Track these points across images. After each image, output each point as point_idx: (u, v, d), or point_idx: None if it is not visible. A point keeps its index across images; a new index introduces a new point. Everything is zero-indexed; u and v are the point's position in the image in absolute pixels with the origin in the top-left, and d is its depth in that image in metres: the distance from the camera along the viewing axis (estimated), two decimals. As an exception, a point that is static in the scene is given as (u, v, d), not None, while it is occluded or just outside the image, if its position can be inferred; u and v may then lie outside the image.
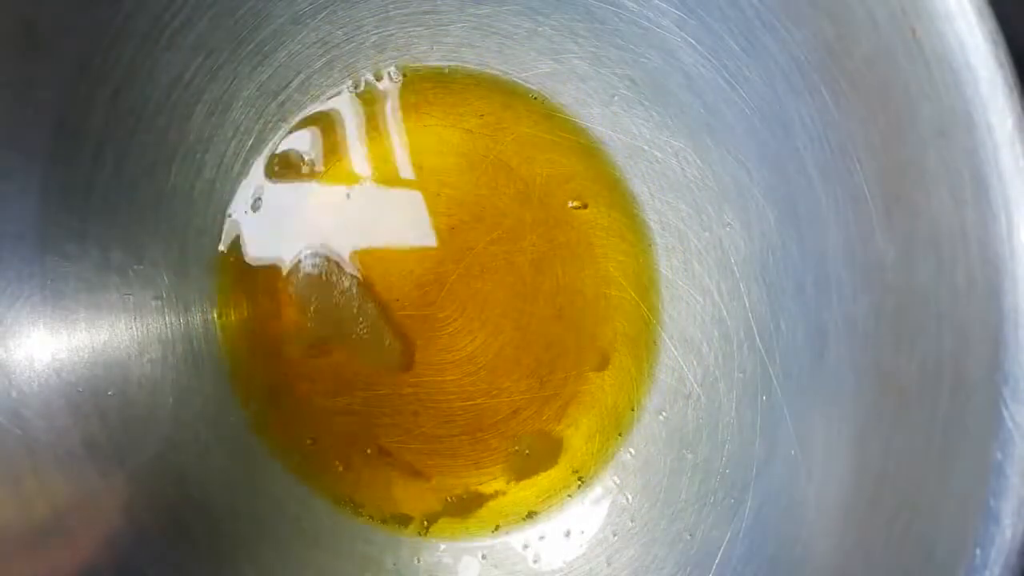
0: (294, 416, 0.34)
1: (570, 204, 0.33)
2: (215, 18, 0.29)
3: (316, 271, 0.34)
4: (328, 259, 0.34)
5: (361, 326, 0.33)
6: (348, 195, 0.34)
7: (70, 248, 0.27)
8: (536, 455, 0.34)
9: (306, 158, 0.34)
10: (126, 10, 0.27)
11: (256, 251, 0.34)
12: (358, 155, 0.34)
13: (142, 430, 0.29)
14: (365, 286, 0.33)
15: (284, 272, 0.34)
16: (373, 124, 0.34)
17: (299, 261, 0.34)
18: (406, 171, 0.34)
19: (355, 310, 0.33)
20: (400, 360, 0.33)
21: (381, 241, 0.34)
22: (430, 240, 0.34)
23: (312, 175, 0.34)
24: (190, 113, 0.30)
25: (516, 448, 0.34)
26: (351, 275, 0.33)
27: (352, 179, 0.34)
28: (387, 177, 0.34)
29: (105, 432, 0.28)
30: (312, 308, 0.34)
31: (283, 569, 0.31)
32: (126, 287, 0.30)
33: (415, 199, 0.34)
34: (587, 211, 0.34)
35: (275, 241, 0.34)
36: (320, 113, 0.34)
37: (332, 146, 0.34)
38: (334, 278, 0.34)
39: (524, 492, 0.34)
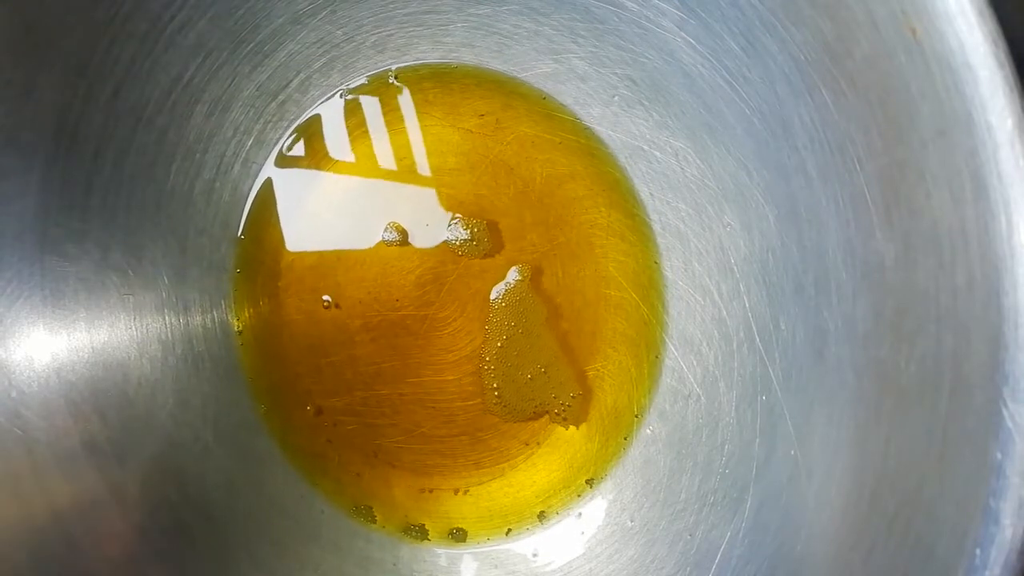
0: (294, 416, 0.34)
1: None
2: (215, 18, 0.29)
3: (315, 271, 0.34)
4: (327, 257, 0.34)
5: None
6: (348, 195, 0.34)
7: (70, 248, 0.27)
8: (537, 455, 0.34)
9: (306, 158, 0.34)
10: (125, 10, 0.27)
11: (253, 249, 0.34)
12: (358, 155, 0.34)
13: (142, 430, 0.29)
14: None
15: (283, 271, 0.34)
16: (372, 124, 0.34)
17: (296, 261, 0.34)
18: (406, 171, 0.34)
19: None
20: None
21: (380, 240, 0.34)
22: (430, 240, 0.34)
23: (313, 172, 0.34)
24: (190, 113, 0.30)
25: (516, 448, 0.34)
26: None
27: (351, 179, 0.34)
28: (387, 177, 0.34)
29: (105, 432, 0.28)
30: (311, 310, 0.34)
31: (282, 568, 0.31)
32: (126, 287, 0.30)
33: (415, 199, 0.34)
34: (587, 211, 0.34)
35: (273, 241, 0.34)
36: (318, 113, 0.34)
37: (331, 146, 0.34)
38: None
39: (525, 492, 0.34)
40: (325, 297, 0.33)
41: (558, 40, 0.32)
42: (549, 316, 0.33)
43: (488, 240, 0.33)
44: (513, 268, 0.34)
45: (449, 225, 0.33)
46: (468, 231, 0.33)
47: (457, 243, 0.33)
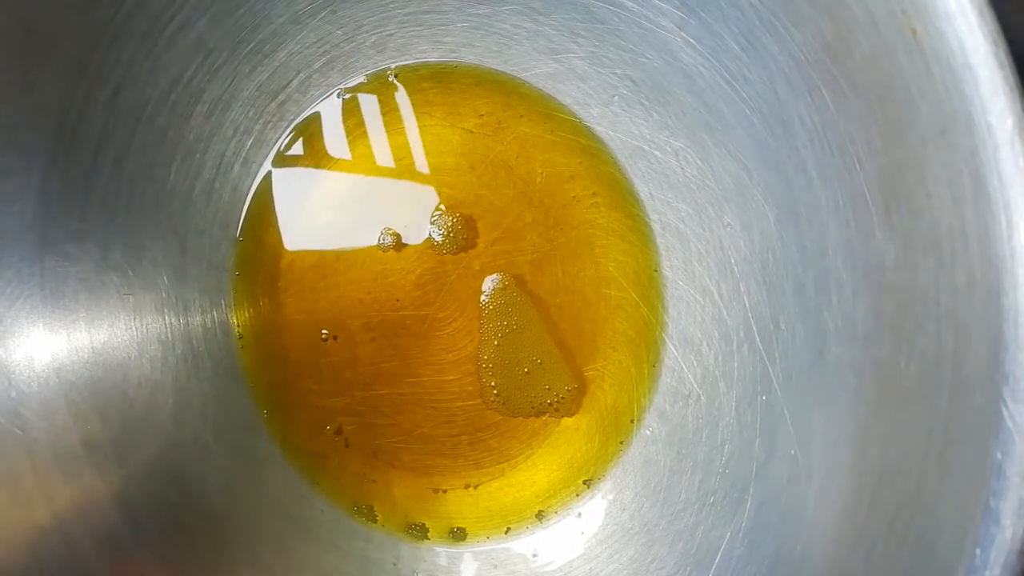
0: (294, 416, 0.34)
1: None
2: (215, 18, 0.29)
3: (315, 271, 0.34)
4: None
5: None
6: (348, 195, 0.34)
7: (70, 248, 0.27)
8: (537, 455, 0.34)
9: (305, 157, 0.34)
10: (126, 10, 0.27)
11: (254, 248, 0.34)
12: (358, 155, 0.34)
13: (142, 430, 0.29)
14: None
15: (282, 271, 0.34)
16: (372, 124, 0.34)
17: (296, 261, 0.34)
18: (406, 171, 0.34)
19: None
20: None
21: (379, 239, 0.34)
22: (429, 240, 0.34)
23: (313, 171, 0.34)
24: (190, 113, 0.30)
25: (516, 448, 0.34)
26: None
27: (351, 179, 0.34)
28: (386, 176, 0.34)
29: (105, 432, 0.28)
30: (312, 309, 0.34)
31: (282, 568, 0.31)
32: (126, 287, 0.30)
33: (415, 198, 0.34)
34: (587, 211, 0.34)
35: (273, 241, 0.34)
36: (318, 113, 0.34)
37: (331, 146, 0.34)
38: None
39: (525, 492, 0.34)
40: (323, 331, 0.33)
41: (558, 40, 0.32)
42: (546, 314, 0.33)
43: (467, 232, 0.33)
44: (513, 268, 0.34)
45: (439, 222, 0.33)
46: (445, 227, 0.33)
47: (445, 239, 0.33)
